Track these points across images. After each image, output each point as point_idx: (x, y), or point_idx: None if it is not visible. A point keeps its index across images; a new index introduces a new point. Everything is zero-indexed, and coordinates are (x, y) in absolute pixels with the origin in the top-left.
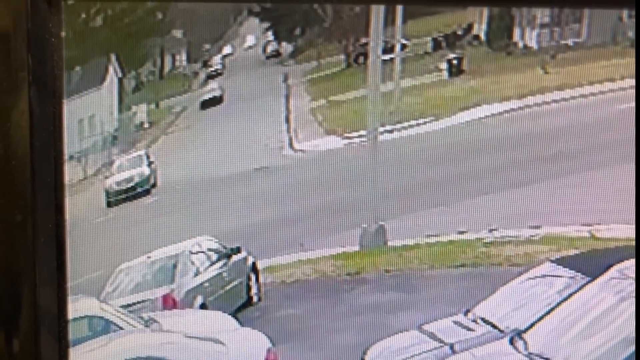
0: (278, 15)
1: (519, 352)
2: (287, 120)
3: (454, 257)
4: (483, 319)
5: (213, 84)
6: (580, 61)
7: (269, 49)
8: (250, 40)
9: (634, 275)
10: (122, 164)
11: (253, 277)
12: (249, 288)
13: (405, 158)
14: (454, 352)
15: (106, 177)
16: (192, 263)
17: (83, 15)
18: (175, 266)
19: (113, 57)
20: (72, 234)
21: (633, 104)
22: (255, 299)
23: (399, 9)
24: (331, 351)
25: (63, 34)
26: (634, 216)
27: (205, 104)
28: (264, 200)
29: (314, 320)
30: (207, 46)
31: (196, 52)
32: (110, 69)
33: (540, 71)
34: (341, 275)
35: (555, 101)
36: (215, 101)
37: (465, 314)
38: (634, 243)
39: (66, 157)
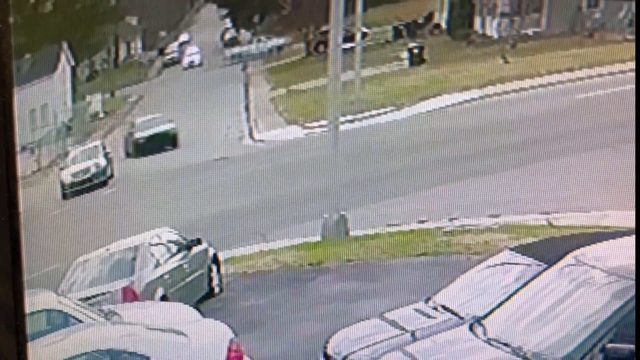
0: (236, 1)
1: (479, 338)
2: (247, 109)
3: (415, 246)
4: (443, 307)
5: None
6: (540, 51)
7: (227, 36)
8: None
9: (589, 262)
10: (78, 155)
11: (214, 269)
12: (210, 279)
13: (366, 148)
14: (415, 339)
15: (61, 169)
16: (152, 255)
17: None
18: (134, 258)
19: (65, 45)
20: (27, 227)
21: (592, 94)
22: (216, 290)
23: None
24: (294, 341)
25: (11, 19)
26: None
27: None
28: (225, 191)
29: (276, 311)
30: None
31: (152, 40)
32: (63, 57)
33: (500, 60)
34: (303, 265)
35: (515, 91)
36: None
37: (426, 301)
38: (590, 230)
39: (18, 148)
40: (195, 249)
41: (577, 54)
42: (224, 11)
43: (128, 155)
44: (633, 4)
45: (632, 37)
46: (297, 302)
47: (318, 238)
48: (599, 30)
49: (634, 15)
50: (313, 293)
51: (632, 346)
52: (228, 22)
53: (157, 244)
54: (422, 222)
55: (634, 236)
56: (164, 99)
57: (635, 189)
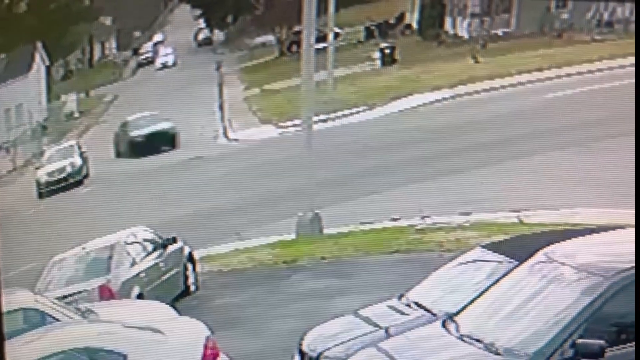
0: (210, 2)
1: (451, 334)
2: (221, 109)
3: (388, 244)
4: (417, 303)
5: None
6: (510, 51)
7: (201, 36)
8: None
9: (559, 259)
10: (53, 154)
11: (190, 267)
12: (186, 278)
13: (339, 147)
14: (389, 335)
15: (37, 168)
16: (128, 254)
17: (6, 1)
18: (110, 257)
19: (39, 45)
20: (3, 226)
21: (561, 93)
22: (192, 288)
23: None
24: (269, 338)
25: None
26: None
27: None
28: (200, 190)
29: (252, 309)
30: (138, 33)
31: (126, 40)
32: (37, 57)
33: (471, 60)
34: (278, 263)
35: (485, 90)
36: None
37: (400, 298)
38: (560, 228)
39: None
40: (171, 248)
41: (546, 54)
42: (198, 11)
43: (119, 155)
44: (601, 5)
45: (600, 37)
46: (272, 299)
47: (293, 236)
48: (567, 31)
49: (602, 16)
50: (288, 291)
51: (602, 342)
52: (202, 23)
53: (132, 243)
54: (395, 219)
55: (603, 233)
56: (139, 98)
57: (635, 190)
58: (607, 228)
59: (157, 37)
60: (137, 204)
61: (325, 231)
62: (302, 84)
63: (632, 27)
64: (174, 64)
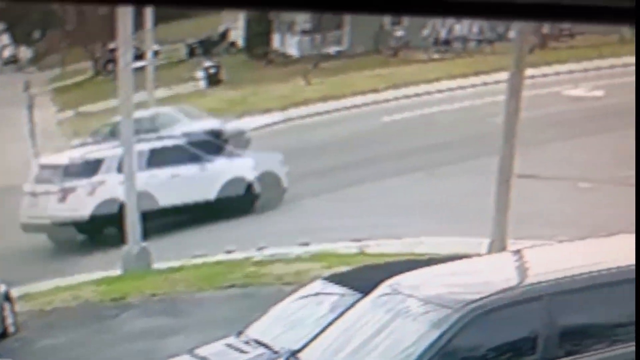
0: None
1: None
2: (32, 134)
3: (223, 278)
4: (256, 340)
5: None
6: (344, 70)
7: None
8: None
9: (405, 291)
10: None
11: (7, 307)
12: (3, 318)
13: None
14: None
15: None
16: None
17: None
18: None
19: None
20: None
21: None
22: (11, 329)
23: (149, 10)
24: None
25: None
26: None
27: None
28: (16, 223)
29: (79, 350)
30: None
31: None
32: None
33: (302, 81)
34: (105, 301)
35: (319, 113)
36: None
37: (238, 335)
38: (404, 258)
39: None
40: None
41: (382, 74)
42: (1, 26)
43: None
44: (438, 23)
45: (437, 56)
46: (100, 340)
47: (119, 271)
48: (403, 49)
49: (438, 34)
50: (117, 330)
51: None
52: (6, 39)
53: None
54: (230, 252)
55: (449, 263)
56: None
57: (635, 191)
58: (453, 257)
59: None
60: None
61: (155, 266)
62: (120, 106)
63: (471, 45)
64: None
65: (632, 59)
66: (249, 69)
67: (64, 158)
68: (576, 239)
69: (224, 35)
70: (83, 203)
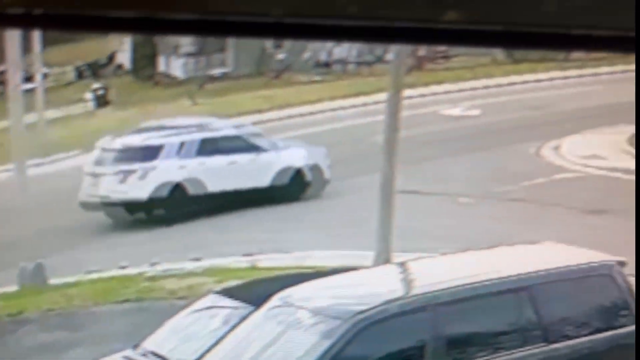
0: None
1: None
2: None
3: (117, 293)
4: (153, 353)
5: None
6: (229, 92)
7: None
8: None
9: (296, 303)
10: None
11: None
12: None
13: (57, 193)
14: None
15: None
16: None
17: None
18: None
19: None
20: None
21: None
22: None
23: (37, 33)
24: None
25: None
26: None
27: None
28: None
29: None
30: None
31: None
32: None
33: (188, 102)
34: (1, 317)
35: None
36: None
37: (134, 348)
38: (294, 271)
39: None
40: None
41: (266, 95)
42: None
43: None
44: (317, 46)
45: (319, 77)
46: None
47: (16, 287)
48: (285, 72)
49: (318, 57)
50: (16, 345)
51: None
52: None
53: None
54: (123, 267)
55: (337, 275)
56: None
57: (635, 191)
58: (341, 270)
59: None
60: None
61: (51, 281)
62: (11, 127)
63: (350, 67)
64: None
65: (505, 80)
66: (136, 90)
67: (125, 142)
68: (458, 251)
69: (111, 58)
70: (140, 185)
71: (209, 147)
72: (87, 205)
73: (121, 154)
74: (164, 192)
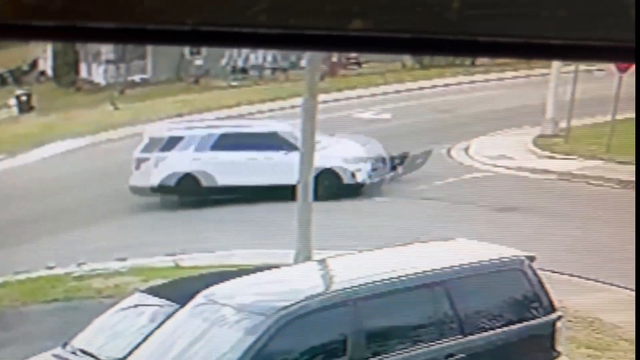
0: None
1: None
2: None
3: (46, 293)
4: (82, 350)
5: None
6: (149, 97)
7: None
8: None
9: (220, 301)
10: None
11: None
12: None
13: None
14: None
15: None
16: None
17: None
18: None
19: None
20: None
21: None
22: None
23: None
24: None
25: None
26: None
27: None
28: None
29: None
30: None
31: None
32: None
33: (110, 107)
34: None
35: (129, 136)
36: None
37: (64, 346)
38: (216, 270)
39: None
40: None
41: (185, 100)
42: None
43: None
44: (234, 53)
45: (236, 83)
46: None
47: None
48: (203, 77)
49: (236, 63)
50: None
51: None
52: None
53: None
54: (50, 268)
55: (259, 273)
56: None
57: (635, 191)
58: (263, 268)
59: None
60: None
61: None
62: None
63: (267, 73)
64: None
65: (415, 84)
66: (59, 96)
67: (164, 130)
68: (375, 248)
69: (33, 65)
70: (152, 173)
71: (228, 141)
72: (134, 190)
73: (154, 142)
74: (172, 182)
